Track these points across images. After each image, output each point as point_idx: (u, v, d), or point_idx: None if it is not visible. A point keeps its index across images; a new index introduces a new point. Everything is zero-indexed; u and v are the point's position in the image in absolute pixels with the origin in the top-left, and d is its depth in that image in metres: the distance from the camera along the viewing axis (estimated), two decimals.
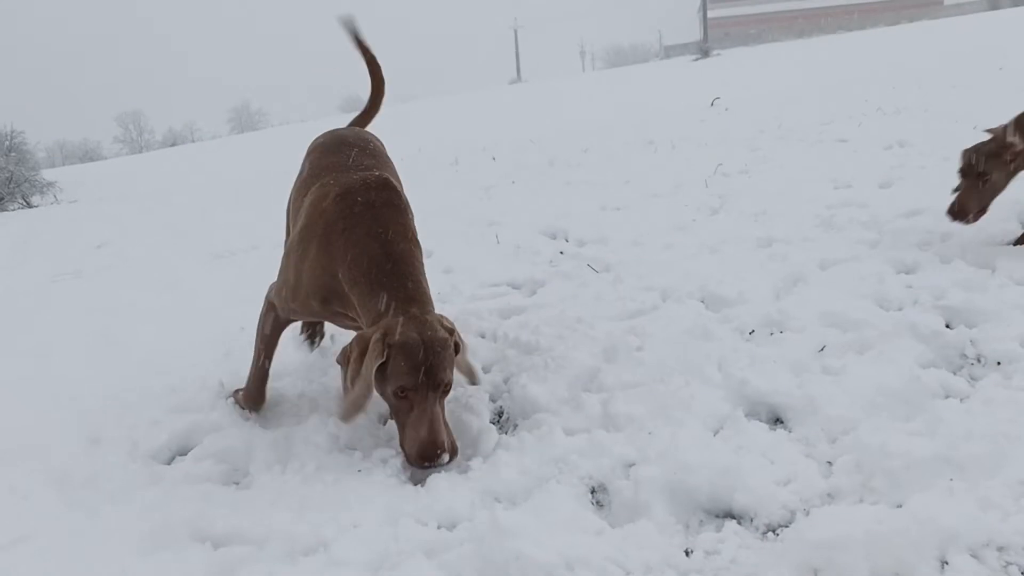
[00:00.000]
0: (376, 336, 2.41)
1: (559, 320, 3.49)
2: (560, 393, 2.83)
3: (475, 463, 2.44)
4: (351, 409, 2.44)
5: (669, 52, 57.37)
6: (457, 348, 2.54)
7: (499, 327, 3.53)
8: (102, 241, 8.66)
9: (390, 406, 2.50)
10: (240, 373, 3.16)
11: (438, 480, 2.35)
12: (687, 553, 1.96)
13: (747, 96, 16.26)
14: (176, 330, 4.35)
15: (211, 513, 2.23)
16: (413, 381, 2.37)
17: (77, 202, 20.13)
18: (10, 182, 23.70)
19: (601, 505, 2.25)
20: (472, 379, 2.72)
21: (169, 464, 2.75)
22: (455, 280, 4.38)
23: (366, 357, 2.40)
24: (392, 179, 2.94)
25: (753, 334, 3.17)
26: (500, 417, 2.86)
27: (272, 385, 3.08)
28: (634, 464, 2.32)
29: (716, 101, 15.47)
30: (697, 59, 42.88)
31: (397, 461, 2.51)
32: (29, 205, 22.93)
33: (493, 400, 2.94)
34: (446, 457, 2.37)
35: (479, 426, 2.68)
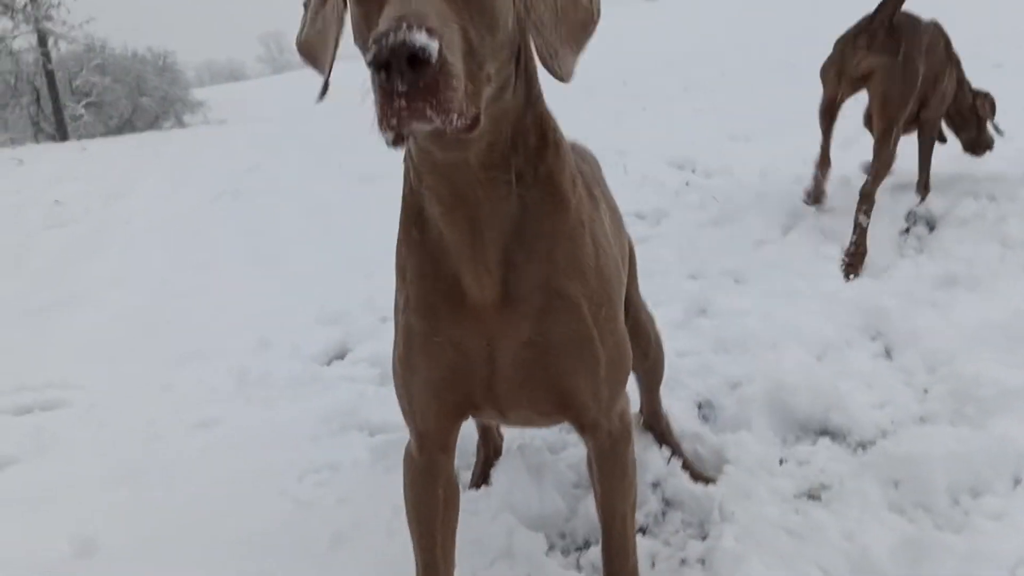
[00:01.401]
0: None
1: (680, 249, 3.69)
2: (676, 317, 3.04)
3: None
4: None
5: None
6: None
7: None
8: (254, 164, 9.27)
9: None
10: (384, 291, 3.53)
11: None
12: (781, 462, 2.18)
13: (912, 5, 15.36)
14: (324, 250, 4.78)
15: (366, 407, 2.61)
16: None
17: (226, 122, 21.26)
18: (164, 101, 25.15)
19: (707, 420, 2.48)
20: None
21: (328, 365, 3.15)
22: None
23: None
24: None
25: (867, 268, 3.28)
26: None
27: None
28: (740, 384, 2.53)
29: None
30: None
31: None
32: (182, 124, 24.34)
33: None
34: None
35: None
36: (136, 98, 25.05)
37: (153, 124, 24.97)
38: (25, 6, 18.64)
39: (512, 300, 1.31)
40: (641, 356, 2.10)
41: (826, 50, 3.59)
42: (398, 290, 1.44)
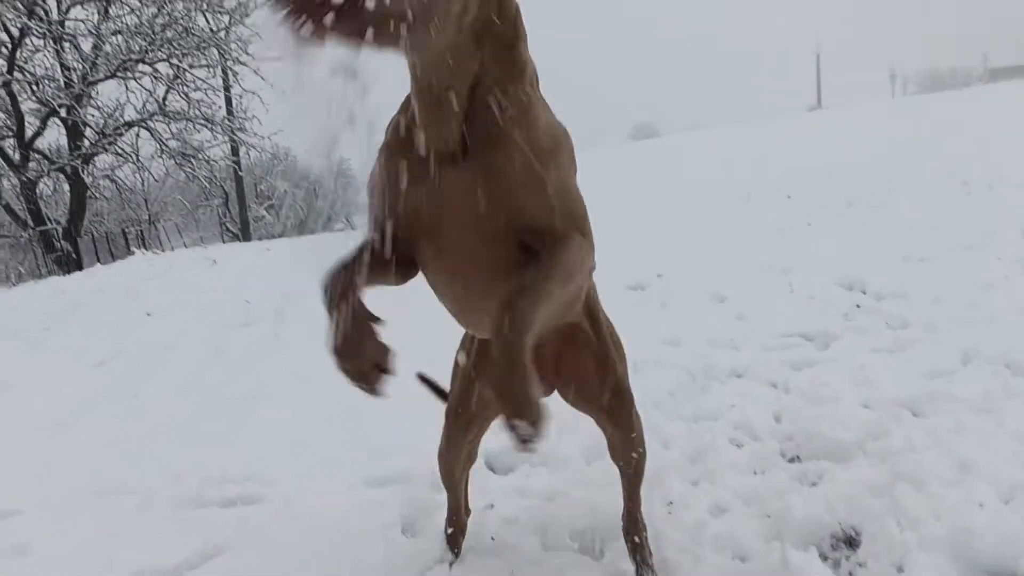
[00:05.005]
0: None
1: (852, 376, 3.65)
2: (848, 449, 3.01)
3: (770, 505, 2.70)
4: None
5: (995, 75, 52.26)
6: None
7: (790, 378, 3.75)
8: None
9: None
10: None
11: (731, 518, 2.66)
12: None
13: None
14: None
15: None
16: None
17: None
18: (338, 204, 26.91)
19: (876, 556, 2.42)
20: None
21: None
22: (747, 328, 4.61)
23: None
24: None
25: None
26: (792, 461, 3.08)
27: None
28: (920, 521, 2.47)
29: None
30: None
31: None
32: (352, 227, 25.88)
33: (783, 454, 3.14)
34: None
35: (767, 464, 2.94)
36: (312, 201, 26.95)
37: (326, 226, 26.71)
38: (223, 119, 20.60)
39: (470, 150, 1.55)
40: (621, 442, 2.21)
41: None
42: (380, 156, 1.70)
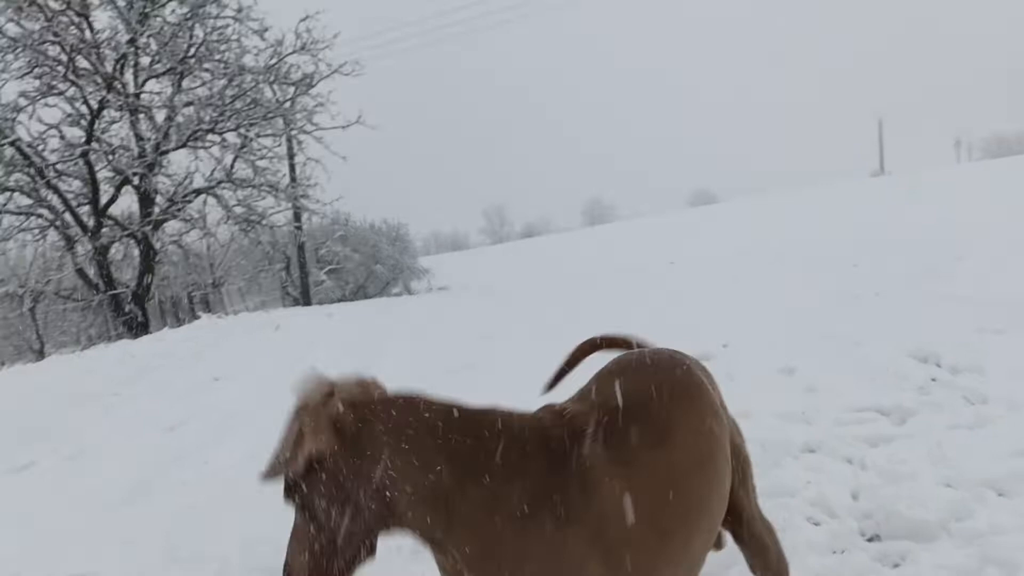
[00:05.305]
0: None
1: (929, 454, 3.55)
2: (930, 529, 2.92)
3: None
4: None
5: None
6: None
7: (866, 455, 3.66)
8: (486, 333, 9.73)
9: None
10: None
11: None
12: None
13: None
14: None
15: None
16: None
17: (447, 289, 22.71)
18: (395, 268, 27.27)
19: None
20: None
21: None
22: (819, 401, 4.52)
23: None
24: None
25: None
26: (871, 540, 3.00)
27: None
28: None
29: None
30: None
31: None
32: (409, 291, 26.16)
33: (863, 533, 3.07)
34: None
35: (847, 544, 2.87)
36: (371, 265, 27.33)
37: (383, 290, 27.02)
38: (287, 186, 21.18)
39: None
40: (762, 568, 2.23)
41: None
42: None
